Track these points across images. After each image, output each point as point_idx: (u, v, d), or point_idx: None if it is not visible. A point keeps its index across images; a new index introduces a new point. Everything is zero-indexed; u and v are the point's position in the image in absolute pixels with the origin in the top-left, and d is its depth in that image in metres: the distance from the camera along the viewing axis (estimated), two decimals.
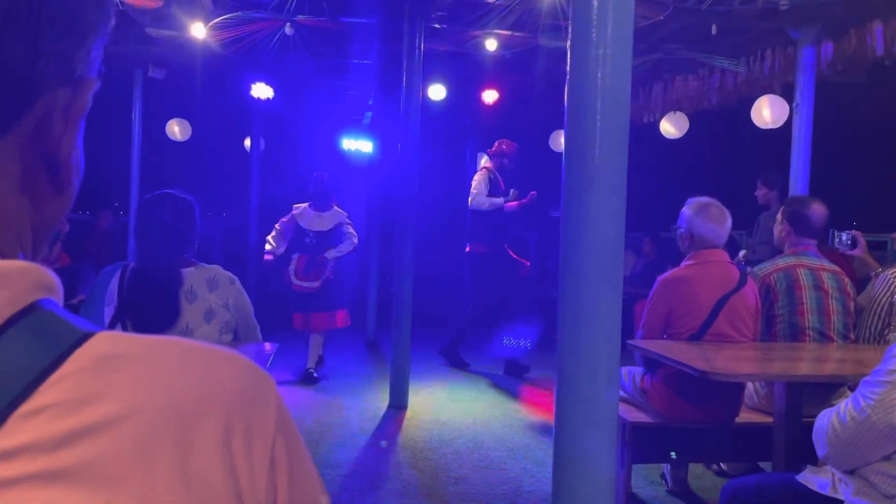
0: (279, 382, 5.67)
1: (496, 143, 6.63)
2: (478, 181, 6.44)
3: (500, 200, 6.38)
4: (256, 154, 9.65)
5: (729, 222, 3.29)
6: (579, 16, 1.81)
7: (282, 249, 6.13)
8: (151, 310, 2.66)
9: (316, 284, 6.02)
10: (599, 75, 1.80)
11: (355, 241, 6.19)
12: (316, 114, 10.01)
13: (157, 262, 2.69)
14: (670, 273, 3.31)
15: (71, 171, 0.51)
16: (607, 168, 1.85)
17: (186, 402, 0.43)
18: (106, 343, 0.44)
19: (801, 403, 2.82)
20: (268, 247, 6.15)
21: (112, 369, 0.42)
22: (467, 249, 6.61)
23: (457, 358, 6.73)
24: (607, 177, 1.85)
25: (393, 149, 6.59)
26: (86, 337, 0.43)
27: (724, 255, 3.32)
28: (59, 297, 0.47)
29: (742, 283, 3.23)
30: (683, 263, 3.31)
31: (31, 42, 0.45)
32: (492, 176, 6.46)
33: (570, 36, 1.87)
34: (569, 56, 1.88)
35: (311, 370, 6.03)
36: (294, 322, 6.09)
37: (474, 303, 6.56)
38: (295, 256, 6.18)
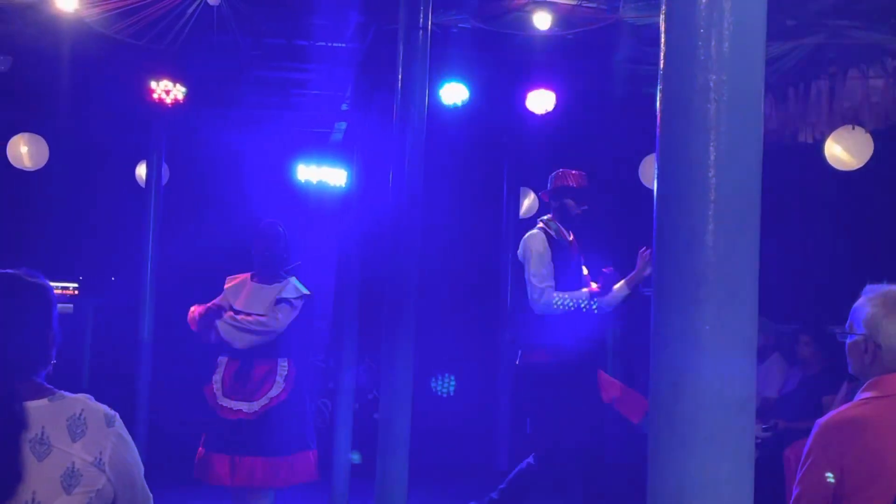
0: None
1: (554, 176, 6.72)
2: (534, 257, 6.44)
3: (584, 293, 6.40)
4: (155, 190, 9.81)
5: None
6: (676, 19, 1.88)
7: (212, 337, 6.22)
8: None
9: (254, 407, 6.04)
10: (713, 112, 1.86)
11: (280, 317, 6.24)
12: (255, 126, 10.20)
13: None
14: (838, 413, 3.33)
15: None
16: (729, 260, 1.89)
17: None
18: None
19: None
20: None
21: None
22: (518, 363, 6.62)
23: None
24: (729, 274, 1.89)
25: (382, 181, 6.72)
26: None
27: None
28: None
29: None
30: (860, 396, 3.33)
31: None
32: (553, 235, 6.48)
33: (662, 54, 1.94)
34: (660, 88, 1.95)
35: None
36: (212, 470, 6.04)
37: (539, 452, 6.51)
38: (222, 360, 6.20)
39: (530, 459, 6.49)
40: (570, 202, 6.58)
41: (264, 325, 6.15)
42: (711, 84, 1.91)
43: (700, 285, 1.92)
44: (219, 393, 6.08)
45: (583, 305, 6.33)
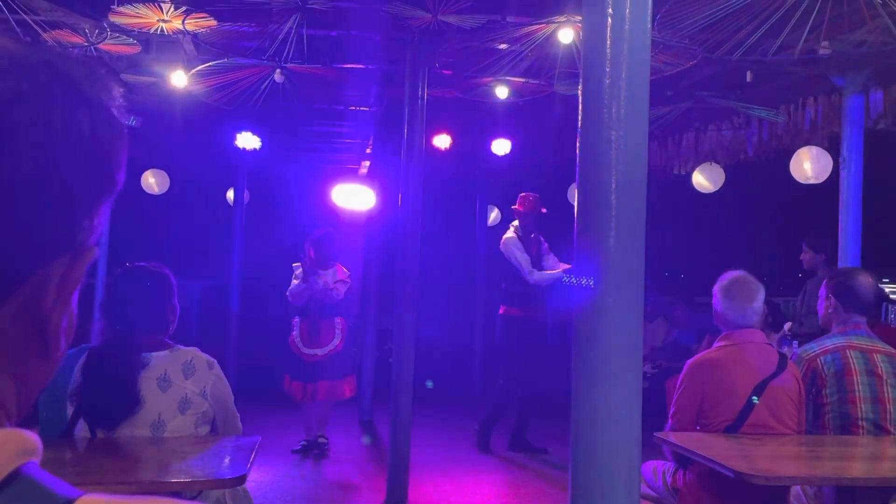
0: (266, 472, 5.65)
1: (519, 198, 6.78)
2: (515, 251, 6.50)
3: (559, 273, 6.46)
4: (240, 207, 9.79)
5: (757, 301, 3.34)
6: (589, 93, 1.90)
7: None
8: (107, 398, 2.68)
9: (324, 351, 6.23)
10: (613, 155, 1.88)
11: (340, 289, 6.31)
12: (307, 163, 10.19)
13: (117, 344, 2.73)
14: (701, 356, 3.36)
15: (60, 339, 0.57)
16: (624, 256, 1.91)
17: None
18: None
19: None
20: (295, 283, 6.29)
21: None
22: (501, 312, 6.72)
23: (484, 442, 6.67)
24: (624, 264, 1.91)
25: (393, 202, 6.72)
26: None
27: (761, 336, 3.36)
28: (38, 457, 0.53)
29: (782, 366, 3.26)
30: (715, 344, 3.36)
31: (34, 215, 0.51)
32: (519, 234, 6.63)
33: (580, 116, 1.96)
34: (579, 138, 1.97)
35: (322, 436, 6.34)
36: (294, 393, 6.24)
37: (508, 375, 6.59)
38: (297, 321, 6.35)
39: (500, 382, 6.62)
40: (522, 220, 6.69)
41: (332, 296, 6.27)
42: (612, 137, 1.94)
43: (606, 272, 1.94)
44: (300, 344, 6.25)
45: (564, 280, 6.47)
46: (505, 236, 6.69)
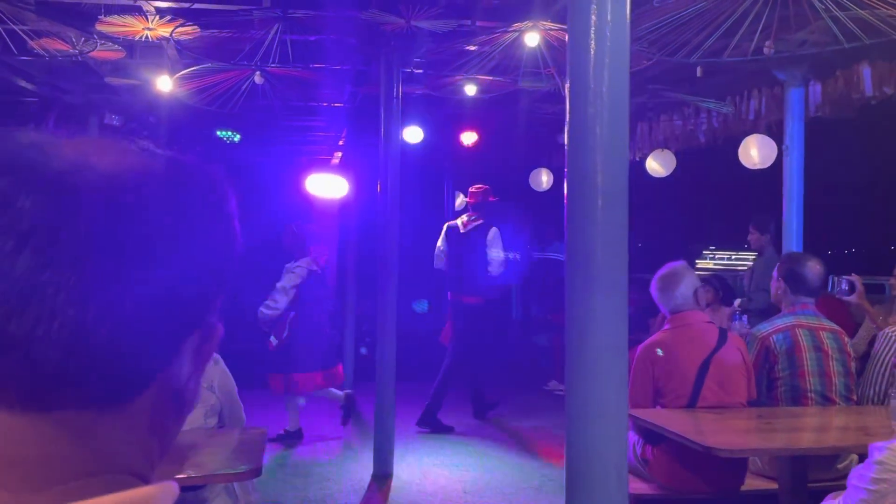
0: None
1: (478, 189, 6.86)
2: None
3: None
4: None
5: (678, 290, 3.45)
6: (576, 94, 1.97)
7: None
8: None
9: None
10: (598, 154, 1.95)
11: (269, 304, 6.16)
12: (283, 155, 10.12)
13: None
14: (648, 340, 3.47)
15: (193, 400, 0.63)
16: (609, 268, 1.97)
17: None
18: None
19: (805, 472, 2.96)
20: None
21: None
22: (450, 297, 6.74)
23: (438, 425, 6.74)
24: (609, 275, 1.97)
25: (366, 190, 6.73)
26: None
27: (701, 316, 3.49)
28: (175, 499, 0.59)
29: (722, 340, 3.38)
30: (663, 327, 3.49)
31: (176, 309, 0.56)
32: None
33: (567, 115, 2.01)
34: (567, 134, 2.02)
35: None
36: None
37: (456, 357, 6.70)
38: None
39: (448, 361, 6.74)
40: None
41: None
42: (598, 131, 1.98)
43: (594, 257, 1.96)
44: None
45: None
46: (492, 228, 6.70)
